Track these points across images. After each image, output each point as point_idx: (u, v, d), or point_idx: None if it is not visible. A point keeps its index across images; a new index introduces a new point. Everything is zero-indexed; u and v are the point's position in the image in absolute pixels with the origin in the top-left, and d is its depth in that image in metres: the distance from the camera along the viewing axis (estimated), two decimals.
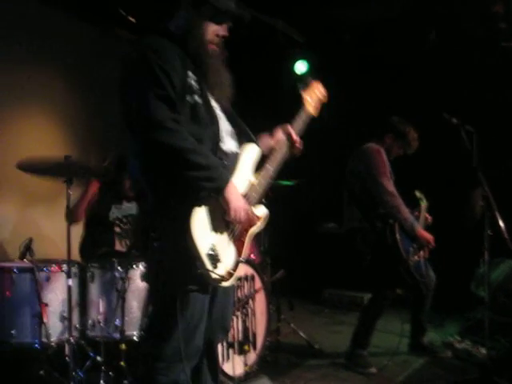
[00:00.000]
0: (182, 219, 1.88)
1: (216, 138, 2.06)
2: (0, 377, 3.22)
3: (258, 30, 5.40)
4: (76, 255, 3.68)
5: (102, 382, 3.09)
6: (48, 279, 3.18)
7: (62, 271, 3.22)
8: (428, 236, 3.79)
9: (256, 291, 3.58)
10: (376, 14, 5.26)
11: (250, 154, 2.19)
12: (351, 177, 3.92)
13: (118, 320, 3.16)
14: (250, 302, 3.54)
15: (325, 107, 2.51)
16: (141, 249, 2.97)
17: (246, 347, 3.44)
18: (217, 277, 1.93)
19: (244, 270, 3.50)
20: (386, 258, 3.72)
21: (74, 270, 3.28)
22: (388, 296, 3.79)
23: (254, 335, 3.54)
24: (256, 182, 2.15)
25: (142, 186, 2.02)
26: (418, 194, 4.15)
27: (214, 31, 2.09)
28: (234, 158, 2.12)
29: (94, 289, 3.29)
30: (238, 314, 3.44)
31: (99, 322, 3.22)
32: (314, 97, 2.44)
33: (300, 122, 2.37)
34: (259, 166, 2.21)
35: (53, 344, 3.16)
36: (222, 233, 2.00)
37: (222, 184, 1.95)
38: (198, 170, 1.89)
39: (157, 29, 2.13)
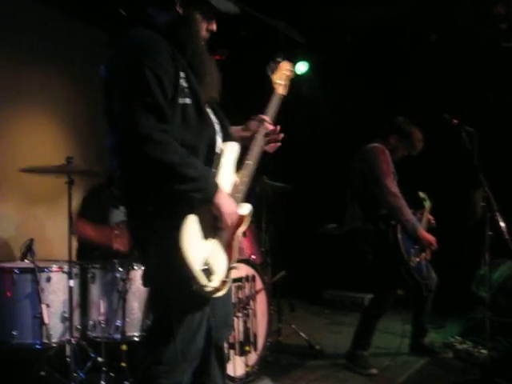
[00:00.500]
0: (171, 237, 1.79)
1: (212, 141, 2.00)
2: (1, 377, 3.22)
3: (259, 30, 5.42)
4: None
5: (102, 382, 3.09)
6: (49, 280, 3.17)
7: (63, 272, 3.21)
8: (430, 237, 3.78)
9: (257, 292, 3.58)
10: (377, 15, 5.26)
11: (231, 153, 2.12)
12: (354, 177, 3.90)
13: (118, 321, 3.16)
14: (251, 302, 3.53)
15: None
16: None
17: (247, 348, 3.43)
18: (212, 289, 1.87)
19: (245, 270, 3.49)
20: (387, 258, 3.72)
21: (75, 270, 3.27)
22: (389, 297, 3.78)
23: (255, 336, 3.54)
24: (238, 182, 2.09)
25: (127, 199, 1.96)
26: (421, 194, 4.14)
27: (207, 27, 2.04)
28: (220, 157, 2.05)
29: (95, 289, 3.28)
30: (239, 314, 3.43)
31: (100, 323, 3.22)
32: (283, 77, 2.36)
33: (272, 107, 2.29)
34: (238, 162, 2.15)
35: (54, 345, 3.15)
36: (211, 242, 1.92)
37: (211, 192, 1.88)
38: (186, 182, 1.81)
39: (140, 18, 1.98)
